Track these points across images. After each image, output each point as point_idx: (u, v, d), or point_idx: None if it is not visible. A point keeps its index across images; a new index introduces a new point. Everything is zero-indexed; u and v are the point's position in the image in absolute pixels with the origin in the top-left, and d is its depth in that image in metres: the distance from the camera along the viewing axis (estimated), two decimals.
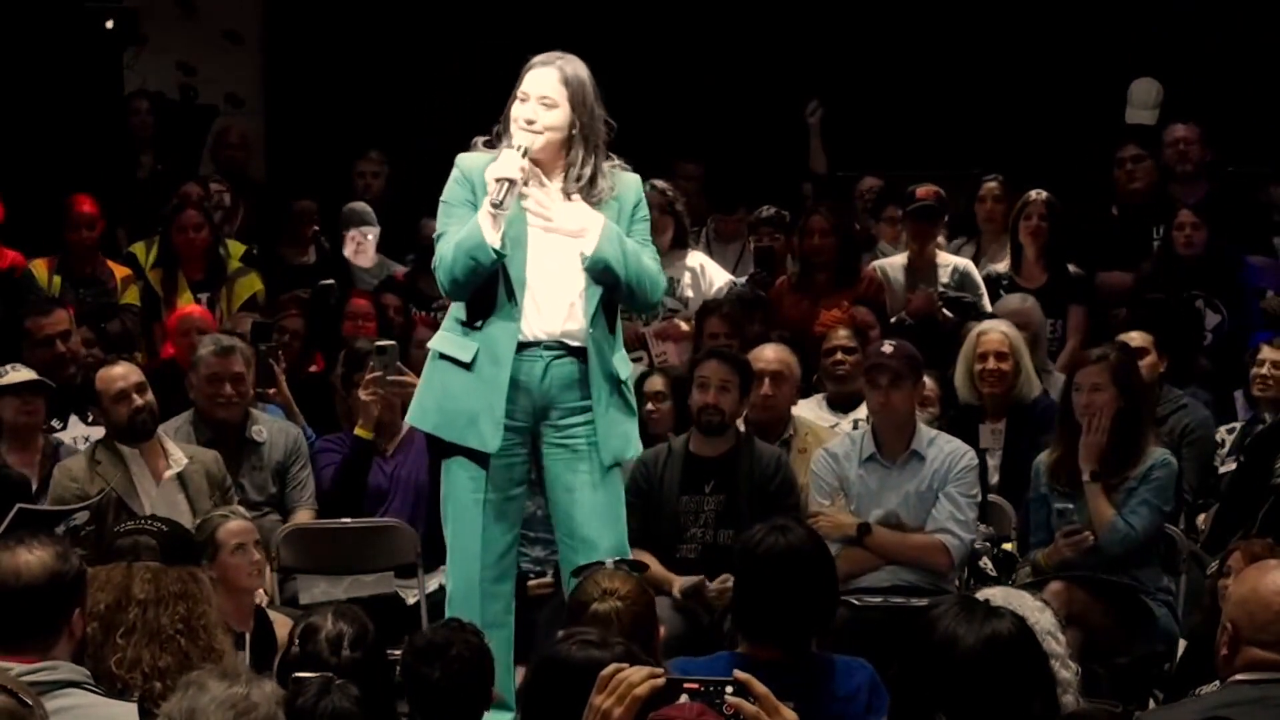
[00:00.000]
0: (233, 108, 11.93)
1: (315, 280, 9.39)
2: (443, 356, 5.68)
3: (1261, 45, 11.44)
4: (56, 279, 9.05)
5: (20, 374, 7.17)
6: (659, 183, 8.94)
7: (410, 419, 5.90)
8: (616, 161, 5.74)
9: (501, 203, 5.47)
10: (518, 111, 5.61)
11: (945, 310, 8.67)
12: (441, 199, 5.74)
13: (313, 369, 8.66)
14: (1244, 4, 11.61)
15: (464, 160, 5.70)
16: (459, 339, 5.64)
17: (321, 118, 11.84)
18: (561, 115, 5.60)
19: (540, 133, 5.59)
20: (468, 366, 5.60)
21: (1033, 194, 9.07)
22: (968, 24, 11.97)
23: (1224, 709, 4.12)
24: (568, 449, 5.69)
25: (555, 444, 5.69)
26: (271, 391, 7.95)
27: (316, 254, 9.97)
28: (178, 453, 6.94)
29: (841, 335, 8.08)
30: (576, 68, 5.67)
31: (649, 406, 7.55)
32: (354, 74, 11.80)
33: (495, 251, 5.49)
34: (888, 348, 6.99)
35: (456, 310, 5.69)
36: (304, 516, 7.30)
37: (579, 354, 5.65)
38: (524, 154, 5.53)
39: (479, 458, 5.62)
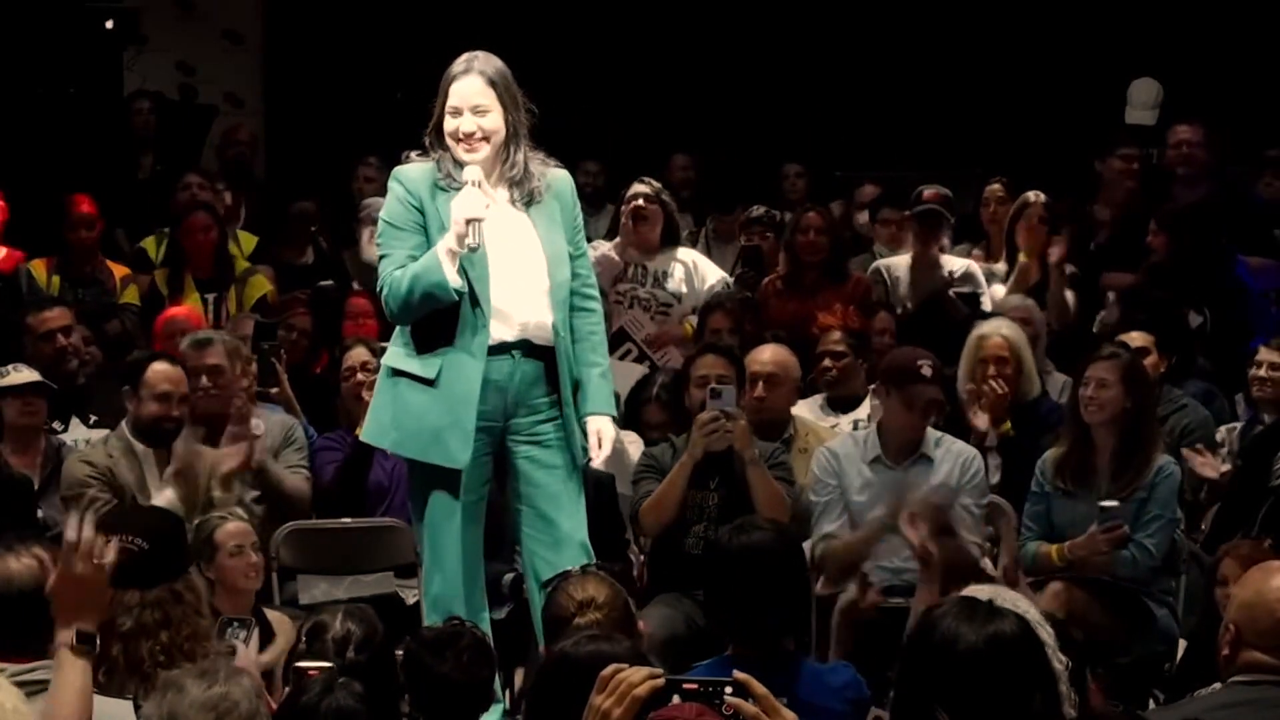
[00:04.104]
0: (233, 108, 11.95)
1: (314, 280, 9.39)
2: (399, 373, 5.63)
3: (1262, 44, 11.45)
4: (55, 279, 9.05)
5: (23, 374, 7.16)
6: (646, 178, 8.95)
7: (366, 436, 5.85)
8: (541, 154, 5.73)
9: (477, 246, 5.47)
10: (453, 125, 5.59)
11: (952, 294, 8.67)
12: (383, 216, 5.68)
13: (318, 369, 8.66)
14: (1244, 4, 11.62)
15: (405, 175, 5.65)
16: (417, 356, 5.60)
17: (321, 118, 11.85)
18: (496, 118, 5.60)
19: (482, 141, 5.57)
20: (431, 383, 5.56)
21: (1031, 195, 9.06)
22: (968, 24, 11.98)
23: (1223, 709, 4.14)
24: (539, 445, 5.68)
25: (524, 441, 5.68)
26: (274, 391, 7.95)
27: (315, 254, 9.97)
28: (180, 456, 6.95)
29: (833, 339, 8.06)
30: (495, 65, 5.65)
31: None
32: (354, 75, 11.82)
33: (456, 291, 5.49)
34: (927, 369, 6.89)
35: (409, 327, 5.63)
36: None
37: (543, 352, 5.65)
38: (479, 185, 5.52)
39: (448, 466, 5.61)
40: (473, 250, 5.47)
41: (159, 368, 6.93)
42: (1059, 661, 3.89)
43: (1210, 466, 7.29)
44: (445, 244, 5.48)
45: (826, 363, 7.97)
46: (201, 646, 4.40)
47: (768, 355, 7.42)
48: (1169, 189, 9.67)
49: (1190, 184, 9.58)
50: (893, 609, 6.52)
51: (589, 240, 9.12)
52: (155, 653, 4.34)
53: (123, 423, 6.99)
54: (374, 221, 9.49)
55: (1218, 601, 5.65)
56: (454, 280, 5.48)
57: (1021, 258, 8.84)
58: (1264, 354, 7.71)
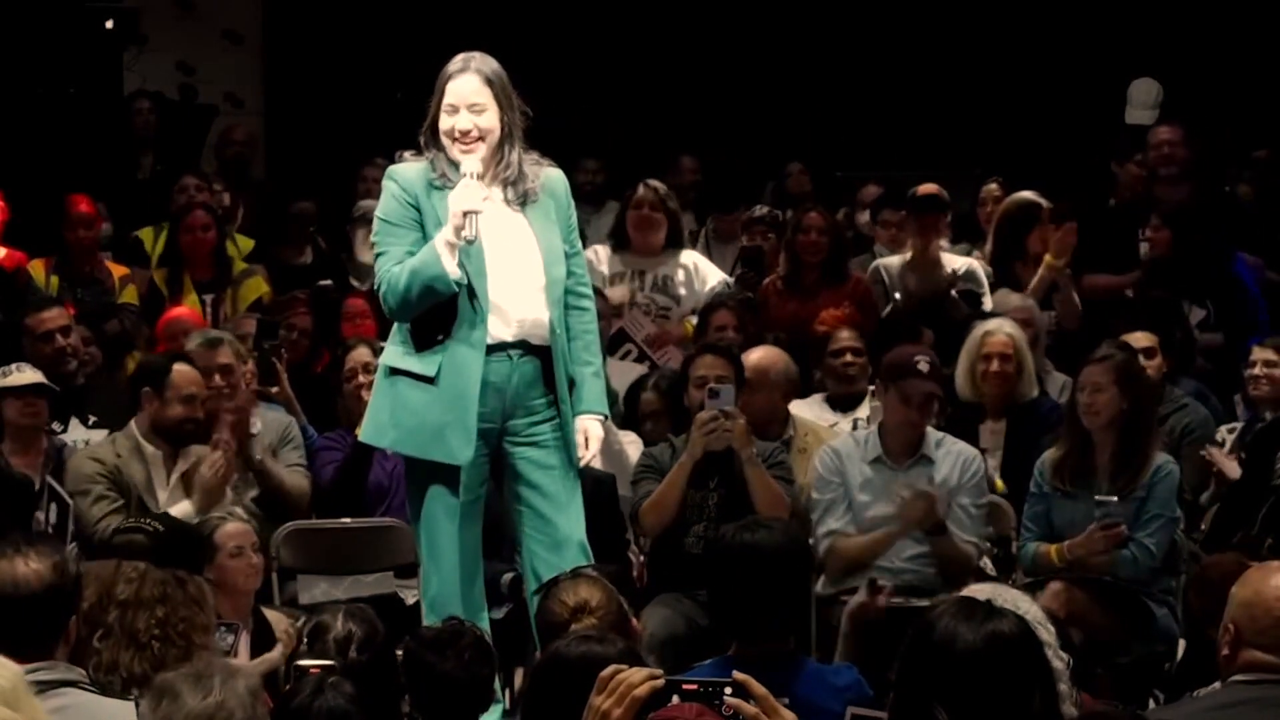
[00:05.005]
0: (233, 108, 11.94)
1: (313, 280, 9.38)
2: (398, 372, 5.64)
3: (1261, 45, 11.45)
4: (54, 279, 9.04)
5: (24, 375, 7.16)
6: (653, 181, 8.95)
7: (365, 437, 5.86)
8: (535, 154, 5.74)
9: (474, 239, 5.48)
10: (449, 123, 5.60)
11: (955, 294, 8.65)
12: (378, 215, 5.70)
13: (318, 369, 8.66)
14: (1243, 4, 11.63)
15: (399, 173, 5.66)
16: (416, 354, 5.60)
17: (321, 118, 11.85)
18: (492, 117, 5.61)
19: (478, 140, 5.59)
20: (431, 380, 5.57)
21: (1036, 199, 9.01)
22: (968, 24, 11.98)
23: (1223, 709, 4.14)
24: (536, 446, 5.69)
25: (521, 442, 5.69)
26: (274, 390, 7.95)
27: (314, 254, 9.97)
28: (191, 455, 6.96)
29: (846, 336, 8.05)
30: (492, 65, 5.66)
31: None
32: (354, 74, 11.81)
33: (456, 283, 5.50)
34: (924, 365, 6.92)
35: (405, 325, 5.65)
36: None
37: (540, 351, 5.66)
38: (476, 179, 5.53)
39: (448, 465, 5.60)
40: (469, 243, 5.48)
41: (184, 370, 6.96)
42: (1060, 660, 3.89)
43: (1228, 466, 7.30)
44: (443, 236, 5.49)
45: (849, 359, 7.94)
46: (199, 637, 4.41)
47: (752, 359, 7.41)
48: (1151, 190, 9.67)
49: (1173, 184, 9.57)
50: (894, 609, 6.52)
51: (591, 241, 9.22)
52: (150, 626, 4.36)
53: (132, 422, 7.00)
54: (368, 223, 9.58)
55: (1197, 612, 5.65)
56: (454, 272, 5.48)
57: (1048, 258, 8.76)
58: (1257, 353, 7.77)
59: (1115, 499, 6.60)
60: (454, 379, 5.56)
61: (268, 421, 7.42)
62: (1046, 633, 3.89)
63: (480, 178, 5.57)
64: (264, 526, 6.97)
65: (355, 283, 9.35)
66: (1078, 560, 6.61)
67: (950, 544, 6.72)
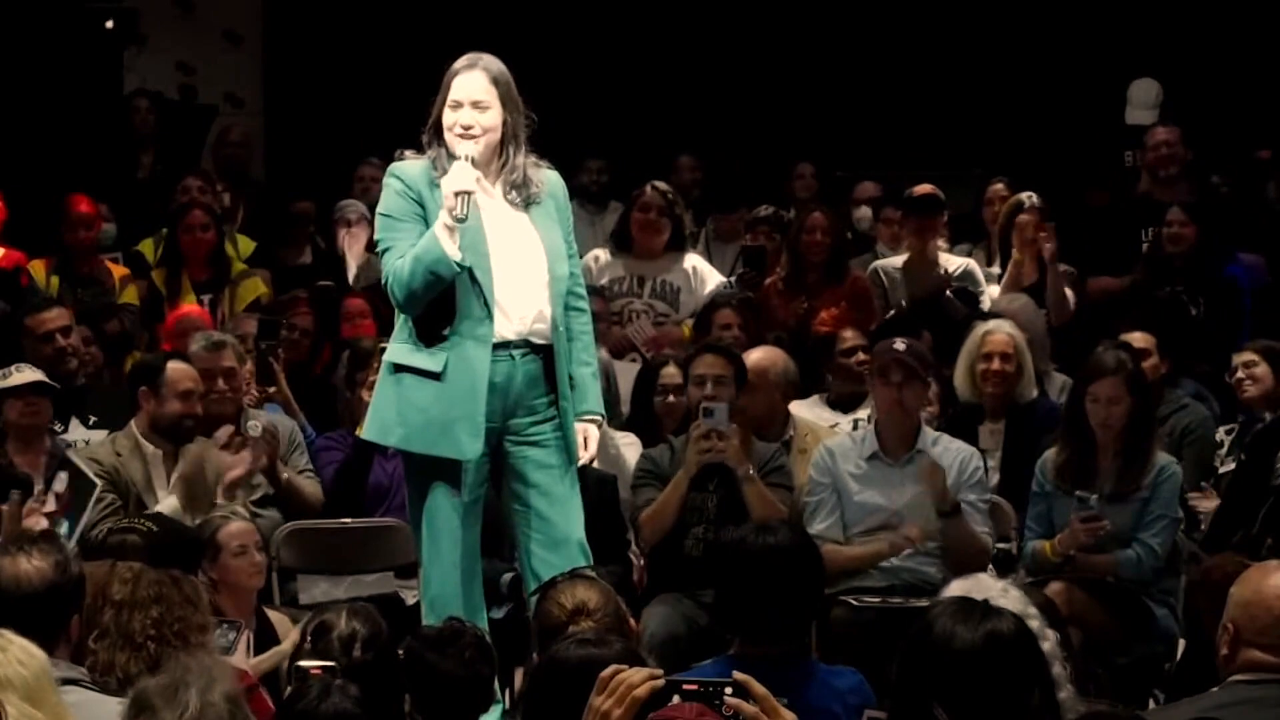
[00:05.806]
0: (233, 108, 11.94)
1: (313, 280, 9.38)
2: (403, 369, 5.64)
3: (1261, 45, 11.46)
4: (54, 279, 9.04)
5: (25, 375, 7.16)
6: (660, 184, 8.95)
7: (369, 435, 5.86)
8: (533, 156, 5.76)
9: (465, 217, 5.49)
10: (452, 118, 5.62)
11: (949, 294, 8.65)
12: (380, 211, 5.71)
13: (318, 369, 8.66)
14: (1243, 4, 11.63)
15: (402, 170, 5.68)
16: (422, 350, 5.61)
17: (321, 118, 11.85)
18: (495, 116, 5.64)
19: (480, 135, 5.62)
20: (437, 376, 5.57)
21: (1025, 197, 9.02)
22: (968, 24, 11.98)
23: (1223, 709, 4.14)
24: (536, 445, 5.70)
25: (523, 442, 5.70)
26: (271, 390, 7.95)
27: (313, 255, 9.96)
28: (191, 456, 6.97)
29: (851, 335, 8.06)
30: (500, 66, 5.69)
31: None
32: (354, 75, 11.81)
33: (458, 265, 5.51)
34: (900, 344, 6.96)
35: (410, 321, 5.66)
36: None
37: (542, 351, 5.68)
38: (472, 163, 5.55)
39: (451, 464, 5.60)
40: (461, 222, 5.49)
41: (179, 367, 6.99)
42: (1047, 640, 3.89)
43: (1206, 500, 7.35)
44: (440, 221, 5.52)
45: (860, 357, 7.92)
46: (195, 637, 4.41)
47: (752, 359, 7.40)
48: (1150, 190, 9.67)
49: (1170, 184, 9.58)
50: (892, 609, 6.53)
51: (595, 240, 9.22)
52: (146, 626, 4.36)
53: (131, 422, 7.01)
54: (349, 223, 9.61)
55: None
56: (454, 254, 5.49)
57: (1015, 255, 8.80)
58: (1237, 359, 7.85)
59: (1093, 495, 6.62)
60: (462, 374, 5.56)
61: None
62: (1035, 621, 3.89)
63: (475, 165, 5.58)
64: (278, 527, 7.04)
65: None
66: (1069, 554, 6.63)
67: (966, 527, 6.71)
